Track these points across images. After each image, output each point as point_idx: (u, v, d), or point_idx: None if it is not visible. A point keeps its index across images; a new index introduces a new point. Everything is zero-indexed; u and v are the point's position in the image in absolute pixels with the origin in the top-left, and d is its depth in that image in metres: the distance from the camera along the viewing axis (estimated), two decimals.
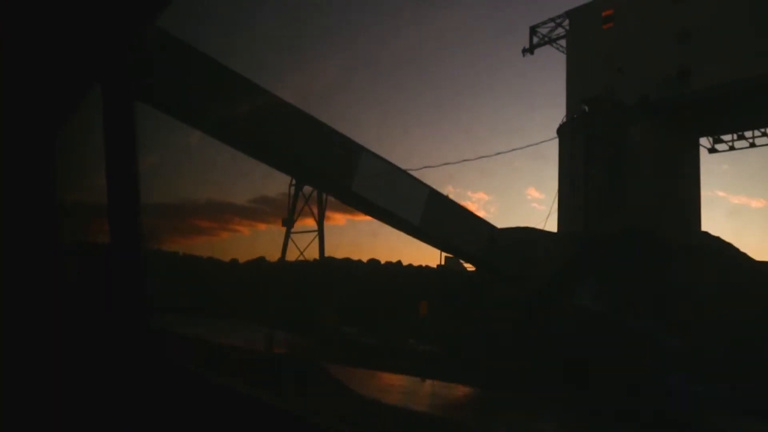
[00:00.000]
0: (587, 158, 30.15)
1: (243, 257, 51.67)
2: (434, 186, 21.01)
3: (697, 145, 31.71)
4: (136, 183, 2.11)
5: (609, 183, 29.04)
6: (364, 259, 33.78)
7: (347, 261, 33.56)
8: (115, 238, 2.14)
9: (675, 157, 29.96)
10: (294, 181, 27.42)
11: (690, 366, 17.51)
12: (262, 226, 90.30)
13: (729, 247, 29.96)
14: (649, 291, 23.59)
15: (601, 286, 23.80)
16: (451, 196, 24.56)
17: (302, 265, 32.07)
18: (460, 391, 11.97)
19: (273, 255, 43.65)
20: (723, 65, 25.63)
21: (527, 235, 25.09)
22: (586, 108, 30.93)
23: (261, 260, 39.40)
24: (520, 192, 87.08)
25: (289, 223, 22.02)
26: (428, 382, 12.87)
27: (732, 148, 32.15)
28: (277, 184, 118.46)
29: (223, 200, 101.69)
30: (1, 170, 2.06)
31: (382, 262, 33.78)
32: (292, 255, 32.09)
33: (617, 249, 25.55)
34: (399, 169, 20.13)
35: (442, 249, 24.27)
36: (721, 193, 72.00)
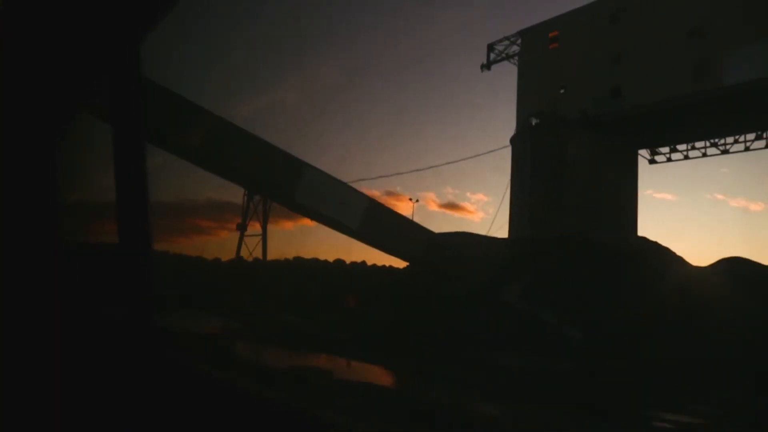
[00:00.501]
0: (533, 168, 32.90)
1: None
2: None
3: (635, 157, 34.35)
4: (145, 182, 2.09)
5: (551, 191, 31.74)
6: (330, 259, 36.75)
7: (315, 261, 36.53)
8: (124, 237, 2.12)
9: (613, 168, 32.57)
10: (247, 192, 30.38)
11: (581, 353, 20.19)
12: (289, 225, 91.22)
13: (663, 251, 32.64)
14: (575, 290, 26.17)
15: (531, 286, 26.52)
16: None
17: (274, 264, 35.06)
18: (323, 359, 14.55)
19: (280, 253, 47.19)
20: (649, 86, 28.26)
21: (464, 239, 27.82)
22: (533, 121, 33.70)
23: (240, 259, 42.54)
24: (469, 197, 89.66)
25: (242, 227, 24.82)
26: (311, 355, 15.50)
27: (669, 160, 34.77)
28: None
29: (222, 200, 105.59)
30: (4, 168, 2.09)
31: (348, 262, 36.74)
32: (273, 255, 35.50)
33: (552, 252, 28.22)
34: (338, 181, 22.98)
35: (383, 250, 27.02)
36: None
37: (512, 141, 35.35)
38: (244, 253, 35.63)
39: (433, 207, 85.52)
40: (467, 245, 27.23)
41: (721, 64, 25.74)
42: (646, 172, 43.98)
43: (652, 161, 35.40)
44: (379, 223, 23.52)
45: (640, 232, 34.11)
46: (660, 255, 31.47)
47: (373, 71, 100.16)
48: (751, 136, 30.83)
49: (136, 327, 2.17)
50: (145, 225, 2.12)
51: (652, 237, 34.71)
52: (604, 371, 17.23)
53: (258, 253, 37.91)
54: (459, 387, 13.09)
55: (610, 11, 30.80)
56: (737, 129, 30.52)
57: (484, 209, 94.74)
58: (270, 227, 34.28)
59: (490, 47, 37.53)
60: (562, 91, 32.61)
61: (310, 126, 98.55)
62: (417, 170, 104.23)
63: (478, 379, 13.87)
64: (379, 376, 12.23)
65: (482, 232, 38.26)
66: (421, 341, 17.19)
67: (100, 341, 2.32)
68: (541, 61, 33.90)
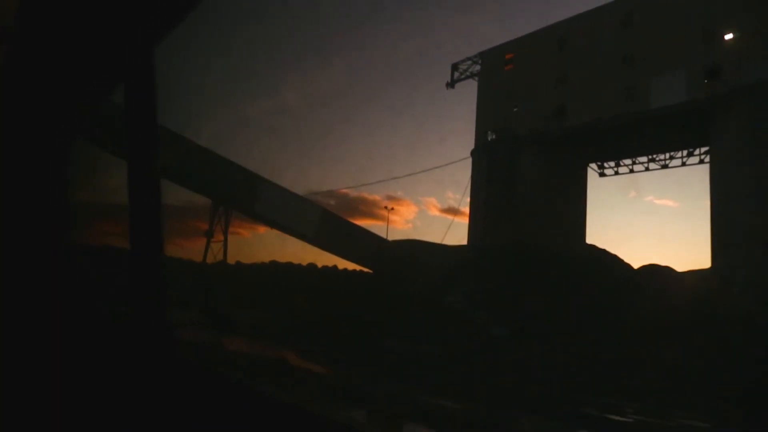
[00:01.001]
0: (488, 180, 35.59)
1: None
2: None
3: (584, 171, 36.99)
4: (158, 185, 2.06)
5: (505, 201, 34.40)
6: (304, 263, 39.51)
7: (289, 264, 39.39)
8: (135, 240, 2.08)
9: (563, 181, 35.18)
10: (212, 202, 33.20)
11: (503, 348, 22.75)
12: (262, 229, 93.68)
13: (611, 257, 35.20)
14: (514, 293, 28.71)
15: (473, 288, 29.15)
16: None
17: (252, 267, 37.97)
18: (235, 342, 17.03)
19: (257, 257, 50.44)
20: (589, 106, 30.89)
21: (412, 246, 30.54)
22: (489, 137, 36.43)
23: (221, 262, 45.48)
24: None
25: (209, 234, 27.51)
26: (232, 338, 18.00)
27: (617, 173, 37.41)
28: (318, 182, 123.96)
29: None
30: (16, 171, 2.09)
31: (319, 266, 39.49)
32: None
33: (495, 258, 30.80)
34: (294, 194, 25.84)
35: (338, 255, 29.70)
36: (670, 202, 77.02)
37: (472, 153, 38.05)
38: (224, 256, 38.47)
39: (434, 212, 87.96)
40: (419, 251, 29.93)
41: (646, 89, 28.37)
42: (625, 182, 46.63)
43: (601, 174, 38.02)
44: (332, 231, 26.27)
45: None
46: (603, 260, 33.97)
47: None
48: (687, 152, 33.40)
49: (149, 328, 2.15)
50: (157, 229, 2.11)
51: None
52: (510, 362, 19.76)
53: (240, 258, 40.85)
54: (340, 364, 16.13)
55: (558, 38, 33.47)
56: (671, 146, 33.11)
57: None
58: (251, 232, 37.14)
59: (454, 67, 40.25)
60: (515, 109, 35.25)
61: (307, 130, 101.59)
62: (394, 178, 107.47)
63: (361, 359, 16.81)
64: (280, 353, 14.71)
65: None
66: (347, 332, 19.89)
67: (111, 341, 2.31)
68: (498, 81, 36.62)
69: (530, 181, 34.02)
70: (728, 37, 25.98)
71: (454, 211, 77.02)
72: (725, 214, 24.88)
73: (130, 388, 2.16)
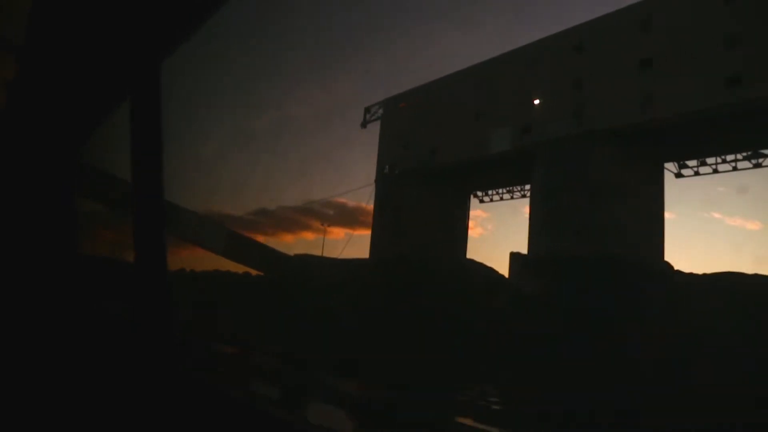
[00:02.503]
0: (380, 206, 43.77)
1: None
2: None
3: (464, 197, 45.14)
4: (162, 195, 2.10)
5: (394, 224, 42.34)
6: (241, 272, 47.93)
7: (228, 272, 47.51)
8: (140, 250, 2.10)
9: (446, 205, 43.20)
10: None
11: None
12: (261, 238, 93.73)
13: (478, 266, 43.02)
14: (391, 299, 36.29)
15: (356, 296, 36.94)
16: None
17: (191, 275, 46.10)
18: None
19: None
20: (454, 147, 38.89)
21: (307, 259, 38.50)
22: (384, 170, 44.60)
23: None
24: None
25: None
26: None
27: (492, 200, 45.60)
28: (275, 197, 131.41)
29: (221, 212, 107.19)
30: (22, 183, 2.11)
31: (253, 274, 47.63)
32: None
33: (373, 270, 38.61)
34: (204, 217, 33.71)
35: (246, 266, 37.48)
36: None
37: (375, 182, 46.20)
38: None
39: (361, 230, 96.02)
40: (311, 264, 37.82)
41: (488, 139, 36.56)
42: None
43: (481, 201, 46.25)
44: (237, 247, 34.09)
45: None
46: (470, 269, 41.68)
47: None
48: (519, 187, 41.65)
49: (154, 340, 2.14)
50: (162, 240, 2.10)
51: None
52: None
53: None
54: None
55: (431, 93, 41.75)
56: (513, 182, 41.52)
57: None
58: None
59: (367, 110, 48.45)
60: (405, 149, 43.40)
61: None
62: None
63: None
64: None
65: None
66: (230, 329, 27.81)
67: (115, 352, 2.32)
68: (393, 125, 44.85)
69: (413, 207, 41.92)
70: (536, 102, 34.31)
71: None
72: (531, 244, 33.09)
73: (133, 401, 2.14)
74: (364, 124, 48.49)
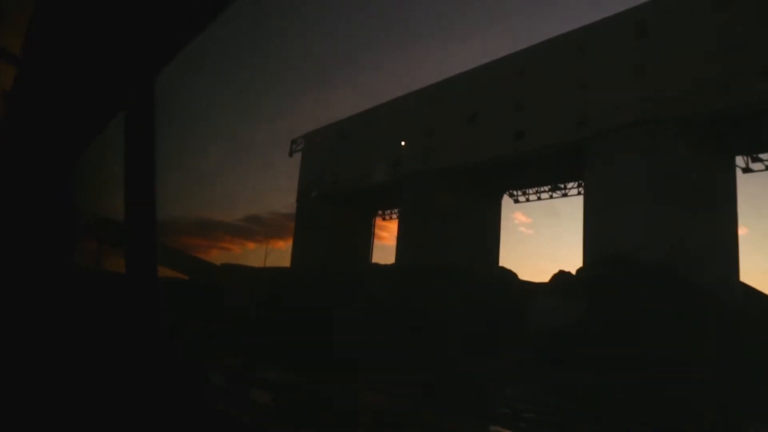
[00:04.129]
0: (300, 224, 52.51)
1: None
2: None
3: (370, 219, 53.77)
4: (155, 208, 2.10)
5: (310, 240, 50.96)
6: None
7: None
8: (131, 260, 2.13)
9: (354, 225, 51.79)
10: None
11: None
12: (251, 245, 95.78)
13: (375, 266, 51.55)
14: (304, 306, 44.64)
15: (268, 302, 45.31)
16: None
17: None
18: None
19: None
20: (355, 175, 47.49)
21: (227, 268, 47.02)
22: (300, 194, 53.36)
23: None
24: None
25: None
26: None
27: (392, 218, 54.21)
28: (266, 204, 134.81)
29: (212, 219, 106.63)
30: (20, 193, 2.13)
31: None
32: None
33: (286, 279, 47.07)
34: None
35: (184, 275, 45.68)
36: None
37: (296, 203, 54.95)
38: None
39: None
40: (231, 272, 46.23)
41: (371, 170, 45.25)
42: None
43: (383, 219, 54.95)
44: (174, 258, 42.52)
45: None
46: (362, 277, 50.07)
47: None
48: None
49: (148, 342, 2.15)
50: (153, 251, 2.11)
51: None
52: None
53: None
54: None
55: (341, 131, 50.47)
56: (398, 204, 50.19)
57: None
58: None
59: (293, 141, 57.15)
60: (318, 177, 52.07)
61: None
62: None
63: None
64: None
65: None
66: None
67: (110, 360, 2.30)
68: (311, 156, 53.62)
69: (324, 225, 50.48)
70: (402, 143, 43.21)
71: None
72: (397, 256, 41.69)
73: (128, 403, 2.13)
74: (291, 154, 57.23)
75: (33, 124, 2.25)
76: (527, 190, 41.41)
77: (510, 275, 35.51)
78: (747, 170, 30.07)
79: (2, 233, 2.20)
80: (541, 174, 37.61)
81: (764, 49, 24.09)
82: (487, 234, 40.47)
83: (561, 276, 28.80)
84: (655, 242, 25.43)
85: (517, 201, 42.55)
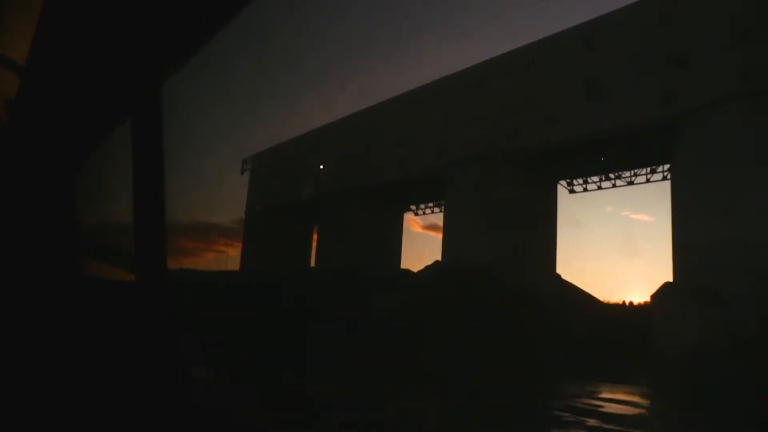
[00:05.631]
0: (248, 233, 59.79)
1: None
2: None
3: (309, 232, 61.01)
4: (163, 213, 2.09)
5: (258, 249, 58.17)
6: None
7: None
8: (140, 269, 2.12)
9: (292, 234, 59.03)
10: None
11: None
12: (239, 245, 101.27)
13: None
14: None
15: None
16: None
17: None
18: None
19: None
20: (293, 192, 54.72)
21: (186, 272, 54.26)
22: (248, 208, 60.63)
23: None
24: None
25: None
26: None
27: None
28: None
29: (207, 221, 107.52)
30: (25, 200, 2.13)
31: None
32: None
33: (238, 286, 54.21)
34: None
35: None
36: None
37: (245, 216, 62.22)
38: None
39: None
40: (189, 276, 53.42)
41: (296, 187, 52.60)
42: None
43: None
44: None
45: None
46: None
47: None
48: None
49: (155, 348, 2.13)
50: (162, 258, 2.09)
51: None
52: None
53: None
54: None
55: (290, 151, 57.57)
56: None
57: None
58: None
59: (244, 161, 64.35)
60: (262, 193, 59.33)
61: None
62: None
63: None
64: None
65: None
66: None
67: (118, 357, 2.31)
68: (257, 175, 60.95)
69: (272, 236, 57.71)
70: (321, 167, 50.58)
71: None
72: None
73: (133, 408, 2.12)
74: (242, 172, 64.50)
75: (37, 132, 2.28)
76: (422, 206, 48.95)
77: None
78: (572, 191, 38.17)
79: (7, 241, 2.23)
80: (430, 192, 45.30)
81: (551, 105, 31.40)
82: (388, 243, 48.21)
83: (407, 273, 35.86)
84: (484, 253, 32.88)
85: (416, 214, 50.10)
